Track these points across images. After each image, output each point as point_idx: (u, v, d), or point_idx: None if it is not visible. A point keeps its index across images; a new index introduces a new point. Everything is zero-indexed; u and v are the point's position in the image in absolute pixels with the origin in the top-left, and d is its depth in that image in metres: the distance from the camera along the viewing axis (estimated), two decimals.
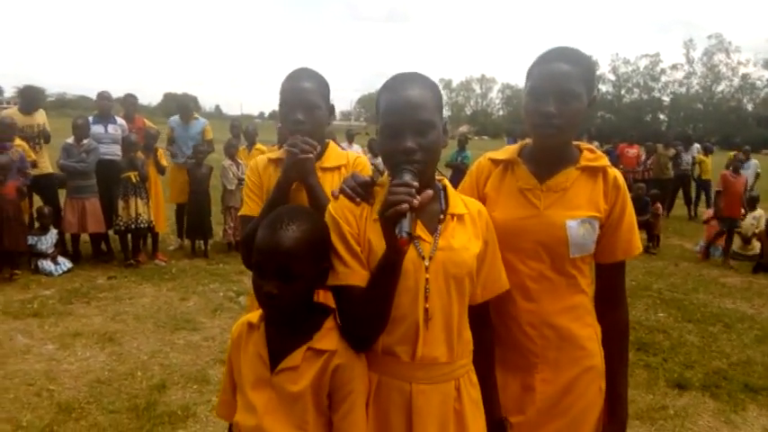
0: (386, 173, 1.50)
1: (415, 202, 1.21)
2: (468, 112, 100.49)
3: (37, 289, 5.57)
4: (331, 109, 1.93)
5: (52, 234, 6.30)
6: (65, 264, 6.17)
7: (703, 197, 12.23)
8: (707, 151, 12.85)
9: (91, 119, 6.72)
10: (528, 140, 1.71)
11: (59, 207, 6.56)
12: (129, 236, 6.56)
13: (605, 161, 1.65)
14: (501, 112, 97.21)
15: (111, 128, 6.82)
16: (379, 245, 1.34)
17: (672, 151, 12.18)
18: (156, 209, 6.84)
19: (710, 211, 9.38)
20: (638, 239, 1.67)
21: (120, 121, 7.00)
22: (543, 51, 1.58)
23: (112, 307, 5.16)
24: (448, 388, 1.40)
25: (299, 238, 1.33)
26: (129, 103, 7.46)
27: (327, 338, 1.37)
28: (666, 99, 79.03)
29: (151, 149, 6.84)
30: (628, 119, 68.42)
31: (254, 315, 1.45)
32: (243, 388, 1.40)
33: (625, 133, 15.88)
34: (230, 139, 7.70)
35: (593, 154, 1.65)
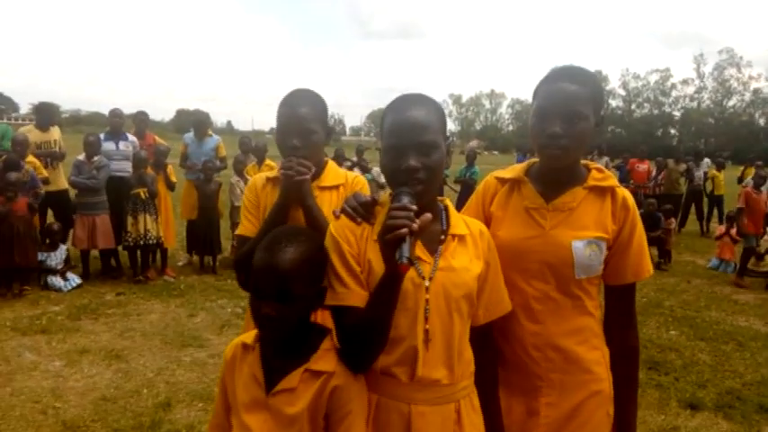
0: (386, 191, 1.49)
1: (415, 226, 1.19)
2: (478, 127, 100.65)
3: (46, 305, 5.60)
4: (329, 131, 1.92)
5: (62, 250, 6.35)
6: (74, 280, 6.20)
7: (716, 212, 12.12)
8: (719, 166, 12.76)
9: (102, 136, 6.79)
10: (535, 159, 1.69)
11: (72, 223, 6.61)
12: (138, 252, 6.59)
13: (614, 181, 1.63)
14: (510, 127, 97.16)
15: (122, 144, 6.88)
16: (378, 265, 1.33)
17: (683, 166, 12.09)
18: (166, 225, 6.88)
19: (723, 227, 9.29)
20: (648, 262, 1.64)
21: (131, 137, 7.07)
22: (550, 70, 1.57)
23: (120, 323, 5.16)
24: (448, 410, 1.38)
25: (298, 259, 1.33)
26: (139, 120, 7.54)
27: (325, 360, 1.36)
28: (677, 114, 78.67)
29: (161, 166, 6.89)
30: (638, 134, 68.09)
31: (249, 336, 1.44)
32: (237, 410, 1.38)
33: (635, 148, 15.79)
34: (238, 155, 7.74)
35: (601, 174, 1.63)
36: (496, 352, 1.59)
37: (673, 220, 9.22)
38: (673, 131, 77.74)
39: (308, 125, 1.81)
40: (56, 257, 6.23)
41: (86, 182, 6.28)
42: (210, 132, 7.81)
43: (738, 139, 65.45)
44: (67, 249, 6.50)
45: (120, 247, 6.75)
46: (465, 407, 1.41)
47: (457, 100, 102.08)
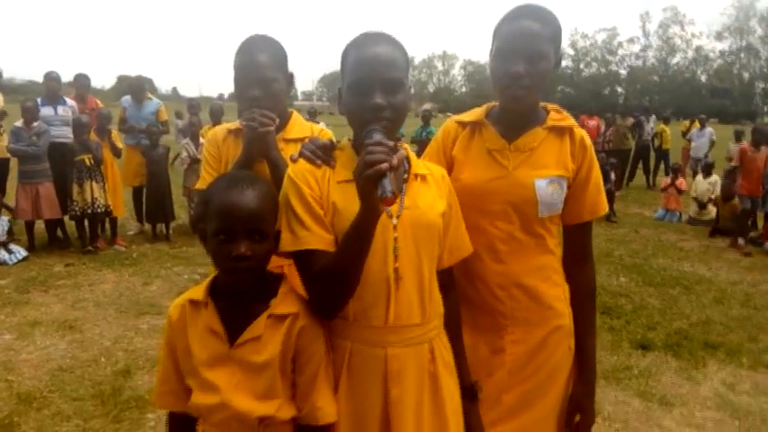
0: (345, 138, 1.46)
1: (394, 161, 1.16)
2: (431, 90, 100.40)
3: None
4: (289, 78, 1.84)
5: (3, 221, 6.05)
6: (19, 252, 5.95)
7: (662, 166, 12.56)
8: (665, 122, 13.16)
9: (39, 101, 6.43)
10: (493, 103, 1.68)
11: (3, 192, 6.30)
12: (86, 221, 6.35)
13: (572, 121, 1.63)
14: (464, 89, 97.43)
15: (60, 109, 6.55)
16: (345, 207, 1.30)
17: (630, 120, 12.42)
18: (114, 193, 6.63)
19: (668, 180, 9.63)
20: (604, 200, 1.66)
21: (69, 102, 6.73)
22: (511, 9, 1.53)
23: (72, 294, 5.00)
24: (422, 350, 1.38)
25: (262, 197, 1.31)
26: (81, 83, 7.15)
27: (287, 302, 1.34)
28: (623, 72, 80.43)
29: (105, 131, 6.60)
30: (587, 92, 69.45)
31: (196, 292, 1.38)
32: (196, 370, 1.32)
33: (584, 106, 16.11)
34: (191, 117, 7.48)
35: (559, 114, 1.64)
36: (458, 295, 1.60)
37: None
38: (619, 89, 79.50)
39: (268, 73, 1.73)
40: None
41: (27, 149, 5.96)
42: (150, 95, 7.51)
43: (681, 95, 67.64)
44: (9, 220, 6.20)
45: (66, 217, 6.49)
46: (437, 346, 1.41)
47: (410, 62, 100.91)
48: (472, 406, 1.54)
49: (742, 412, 3.30)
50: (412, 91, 1.43)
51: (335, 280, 1.31)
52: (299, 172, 1.38)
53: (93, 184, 6.16)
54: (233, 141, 1.84)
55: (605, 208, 1.67)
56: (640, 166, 12.66)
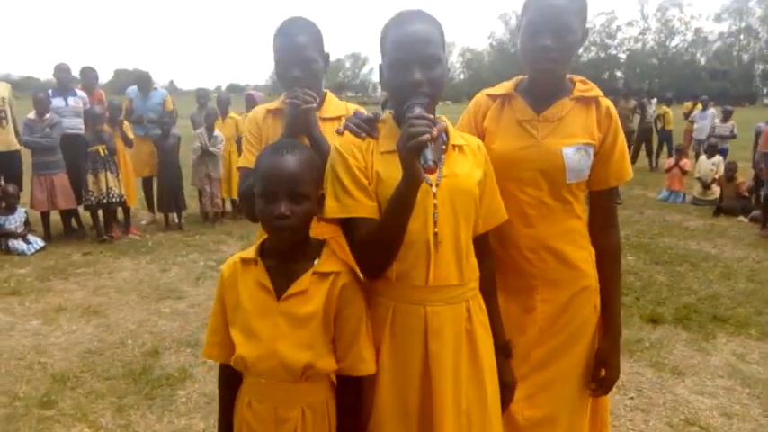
0: (386, 112, 1.55)
1: (435, 132, 1.25)
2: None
3: (11, 268, 5.46)
4: (326, 58, 1.92)
5: (20, 213, 6.16)
6: (36, 242, 6.06)
7: (665, 148, 12.62)
8: (667, 103, 13.21)
9: (50, 92, 6.50)
10: (522, 76, 1.77)
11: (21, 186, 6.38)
12: (101, 211, 6.45)
13: (598, 92, 1.72)
14: (462, 77, 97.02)
15: (71, 101, 6.62)
16: (388, 176, 1.39)
17: (632, 103, 12.47)
18: (127, 183, 6.73)
19: (672, 161, 9.70)
20: (629, 166, 1.76)
21: (80, 93, 6.80)
22: None
23: (92, 281, 5.11)
24: (459, 309, 1.47)
25: (303, 161, 1.40)
26: (89, 76, 7.21)
27: (330, 262, 1.44)
28: (623, 56, 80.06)
29: (116, 122, 6.69)
30: (587, 77, 68.92)
31: (248, 252, 1.48)
32: (246, 320, 1.42)
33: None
34: (211, 107, 7.53)
35: (585, 85, 1.73)
36: (493, 260, 1.69)
37: None
38: (619, 74, 79.14)
39: (308, 53, 1.81)
40: (14, 220, 6.06)
41: (41, 141, 6.05)
42: (156, 86, 7.58)
43: (681, 78, 67.32)
44: (26, 211, 6.30)
45: (80, 207, 6.59)
46: (473, 306, 1.51)
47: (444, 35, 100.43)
48: (505, 362, 1.64)
49: (752, 380, 3.41)
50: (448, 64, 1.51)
51: (379, 244, 1.40)
52: (344, 144, 1.47)
53: (108, 174, 6.26)
54: (272, 121, 1.92)
55: (630, 173, 1.76)
56: (643, 148, 12.74)
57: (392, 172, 1.37)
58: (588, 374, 1.79)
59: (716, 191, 8.79)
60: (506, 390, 1.62)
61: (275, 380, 1.41)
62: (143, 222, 7.39)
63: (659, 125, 12.69)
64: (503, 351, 1.64)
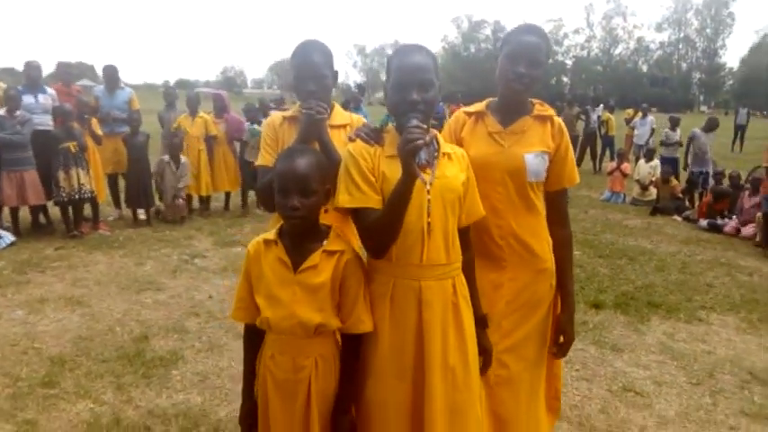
0: (388, 124, 1.92)
1: (428, 138, 1.63)
2: (384, 78, 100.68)
3: None
4: (335, 75, 2.28)
5: None
6: (7, 237, 6.12)
7: (608, 152, 13.44)
8: (610, 110, 14.06)
9: (20, 89, 6.56)
10: (491, 98, 2.18)
11: None
12: (70, 207, 6.55)
13: (552, 112, 2.15)
14: None
15: (41, 98, 6.68)
16: (391, 175, 1.75)
17: (576, 109, 13.26)
18: (97, 179, 6.84)
19: (614, 164, 10.43)
20: (576, 172, 2.19)
21: (49, 90, 6.87)
22: (517, 26, 2.06)
23: (69, 274, 5.26)
24: (447, 284, 1.84)
25: (311, 163, 1.76)
26: (64, 72, 7.27)
27: (336, 243, 1.80)
28: (569, 62, 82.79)
29: (85, 119, 6.79)
30: None
31: (269, 234, 1.83)
32: (269, 288, 1.76)
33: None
34: (173, 141, 7.57)
35: (542, 106, 2.15)
36: (473, 249, 2.07)
37: None
38: (565, 79, 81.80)
39: (321, 71, 2.16)
40: None
41: (12, 137, 6.10)
42: (122, 85, 7.71)
43: (624, 85, 70.18)
44: None
45: (49, 203, 6.67)
46: (458, 282, 1.88)
47: (361, 50, 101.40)
48: (483, 332, 2.03)
49: (679, 355, 3.94)
50: (437, 85, 1.88)
51: (383, 229, 1.77)
52: (356, 149, 1.83)
53: (80, 170, 6.37)
54: (288, 126, 2.26)
55: (578, 178, 2.19)
56: (588, 151, 13.53)
57: (395, 172, 1.73)
58: (544, 340, 2.21)
59: (653, 192, 9.55)
60: (485, 355, 2.01)
61: (293, 336, 1.77)
62: (110, 218, 7.50)
63: (603, 130, 13.51)
64: (481, 323, 2.01)
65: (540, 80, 2.04)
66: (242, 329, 4.18)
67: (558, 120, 2.15)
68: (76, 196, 6.39)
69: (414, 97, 1.76)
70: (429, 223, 1.79)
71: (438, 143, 1.89)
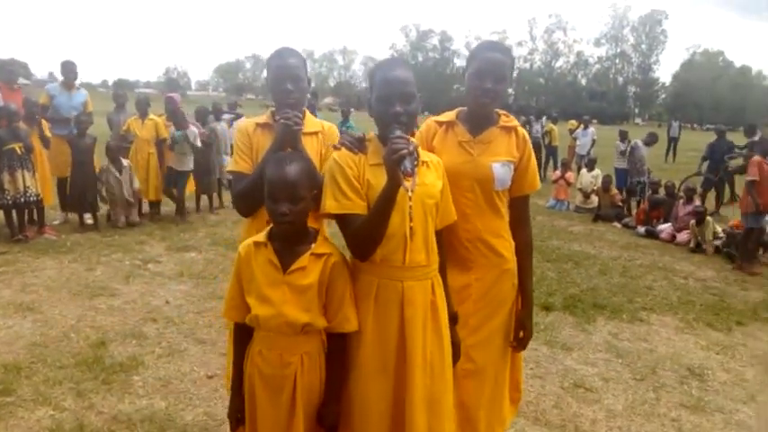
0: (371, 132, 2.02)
1: (411, 147, 1.74)
2: (332, 84, 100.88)
3: None
4: (309, 81, 2.36)
5: None
6: None
7: (551, 162, 13.97)
8: (553, 121, 14.62)
9: None
10: (461, 108, 2.31)
11: None
12: (14, 211, 6.31)
13: (516, 123, 2.30)
14: (363, 84, 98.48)
15: None
16: (376, 183, 1.85)
17: (522, 119, 13.74)
18: (43, 182, 6.63)
19: (558, 173, 10.87)
20: (537, 179, 2.35)
21: None
22: (482, 42, 2.21)
23: (17, 280, 5.09)
24: (426, 285, 1.95)
25: (300, 170, 1.83)
26: (10, 71, 6.99)
27: (323, 246, 1.89)
28: (513, 74, 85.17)
29: (34, 120, 6.57)
30: None
31: (259, 237, 1.90)
32: (259, 288, 1.83)
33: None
34: (110, 142, 7.40)
35: (507, 118, 2.29)
36: (444, 252, 2.19)
37: None
38: (510, 90, 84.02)
39: (298, 72, 2.23)
40: None
41: None
42: (77, 85, 7.50)
43: (564, 97, 72.80)
44: None
45: None
46: (436, 283, 1.99)
47: (310, 55, 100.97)
48: (453, 328, 2.15)
49: (624, 353, 4.20)
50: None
51: (368, 233, 1.86)
52: (342, 157, 1.91)
53: (25, 172, 6.16)
54: (261, 133, 2.31)
55: (539, 185, 2.35)
56: None
57: (379, 180, 1.82)
58: (508, 336, 2.35)
59: (594, 200, 10.02)
60: (455, 348, 2.12)
61: (281, 333, 1.84)
62: (55, 222, 7.26)
63: (546, 140, 14.03)
64: (452, 320, 2.13)
65: (505, 93, 2.18)
66: (201, 335, 4.22)
67: (522, 130, 2.30)
68: (22, 199, 6.17)
69: (397, 109, 1.86)
70: (411, 228, 1.89)
71: (417, 152, 2.00)
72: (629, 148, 10.17)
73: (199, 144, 7.66)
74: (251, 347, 1.91)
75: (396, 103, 1.86)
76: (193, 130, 7.68)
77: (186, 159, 7.71)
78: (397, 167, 1.71)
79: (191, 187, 8.13)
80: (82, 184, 7.03)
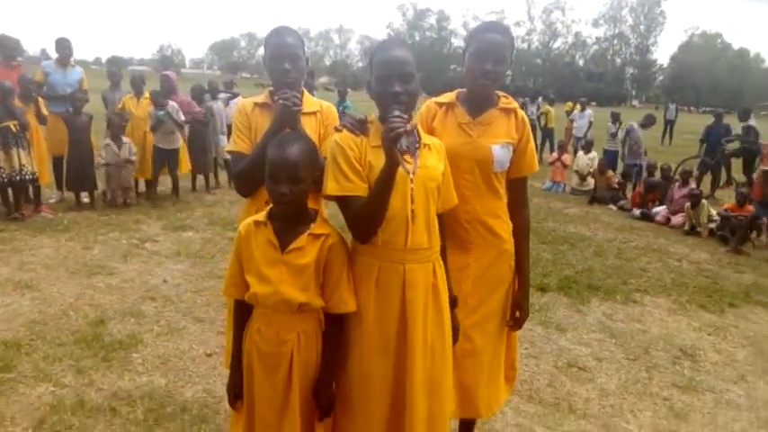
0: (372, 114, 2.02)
1: (409, 126, 1.74)
2: (328, 63, 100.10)
3: None
4: (306, 60, 2.35)
5: None
6: None
7: (547, 143, 13.96)
8: (550, 103, 14.58)
9: None
10: (460, 89, 2.31)
11: None
12: (10, 189, 6.29)
13: (515, 104, 2.30)
14: (360, 64, 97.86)
15: None
16: (377, 163, 1.85)
17: (519, 101, 13.68)
18: (39, 159, 6.60)
19: (555, 154, 10.87)
20: (536, 161, 2.36)
21: None
22: (481, 23, 2.18)
23: (14, 258, 5.09)
24: (428, 267, 1.96)
25: (301, 152, 1.84)
26: (13, 48, 6.90)
27: (321, 226, 1.90)
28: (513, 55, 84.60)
29: (30, 97, 6.52)
30: None
31: (259, 216, 1.91)
32: (258, 267, 1.85)
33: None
34: (112, 117, 7.27)
35: (507, 99, 2.30)
36: (445, 235, 2.20)
37: None
38: (507, 71, 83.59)
39: (296, 51, 2.23)
40: None
41: None
42: (73, 62, 7.42)
43: (562, 78, 72.43)
44: None
45: None
46: (437, 265, 2.00)
47: (305, 34, 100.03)
48: (452, 311, 2.18)
49: (617, 333, 4.25)
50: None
51: (368, 215, 1.87)
52: (343, 139, 1.91)
53: (20, 150, 6.13)
54: (259, 113, 2.31)
55: (537, 167, 2.36)
56: None
57: (381, 161, 1.82)
58: (505, 316, 2.39)
59: (591, 182, 10.04)
60: (455, 331, 2.14)
61: (278, 312, 1.86)
62: (51, 201, 7.24)
63: (542, 122, 13.99)
64: (451, 303, 2.15)
65: (504, 74, 2.18)
66: (200, 314, 4.26)
67: (522, 112, 2.31)
68: (17, 177, 6.15)
69: (396, 89, 1.86)
70: (413, 210, 1.89)
71: (419, 134, 2.00)
72: (624, 131, 10.18)
73: (182, 118, 7.44)
74: (250, 325, 1.94)
75: (395, 83, 1.86)
76: (174, 105, 7.43)
77: (173, 137, 7.51)
78: (394, 146, 1.71)
79: (186, 167, 8.09)
80: (79, 163, 7.00)
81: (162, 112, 7.28)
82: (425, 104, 2.34)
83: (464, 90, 2.30)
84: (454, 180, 2.15)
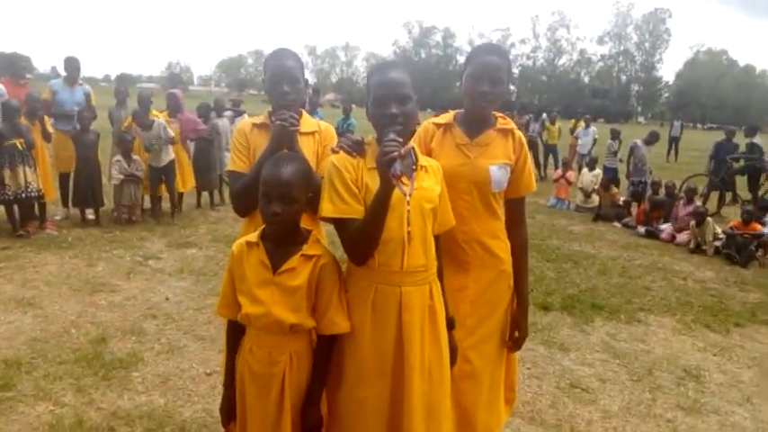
0: (369, 136, 2.03)
1: (403, 150, 1.75)
2: (334, 80, 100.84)
3: None
4: (306, 82, 2.37)
5: None
6: None
7: (551, 160, 13.96)
8: (552, 120, 14.62)
9: None
10: (458, 110, 2.32)
11: None
12: (16, 206, 6.34)
13: (513, 125, 2.31)
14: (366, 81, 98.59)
15: None
16: (373, 186, 1.85)
17: (525, 118, 13.74)
18: (45, 177, 6.65)
19: (560, 171, 10.87)
20: (533, 181, 2.36)
21: None
22: (478, 45, 2.20)
23: (18, 275, 5.11)
24: (425, 290, 1.96)
25: (295, 172, 1.84)
26: (23, 67, 7.00)
27: (314, 247, 1.90)
28: (516, 71, 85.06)
29: (36, 115, 6.59)
30: None
31: (251, 236, 1.92)
32: (250, 288, 1.85)
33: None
34: (123, 135, 7.34)
35: (504, 120, 2.31)
36: (441, 257, 2.19)
37: None
38: (512, 88, 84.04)
39: (295, 74, 2.25)
40: None
41: None
42: (80, 81, 7.51)
43: (567, 95, 72.68)
44: None
45: None
46: (434, 287, 1.99)
47: (312, 51, 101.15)
48: (450, 333, 2.16)
49: (621, 354, 4.21)
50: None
51: (364, 236, 1.87)
52: (340, 160, 1.92)
53: (26, 168, 6.18)
54: (258, 133, 2.33)
55: (534, 186, 2.36)
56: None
57: (377, 183, 1.82)
58: (504, 337, 2.37)
59: (595, 199, 10.02)
60: (452, 353, 2.13)
61: (270, 332, 1.86)
62: (57, 217, 7.28)
63: (544, 138, 14.01)
64: (448, 324, 2.14)
65: (503, 96, 2.19)
66: (201, 332, 4.25)
67: (519, 133, 2.32)
68: (23, 195, 6.19)
69: (393, 111, 1.87)
70: (409, 232, 1.89)
71: (416, 156, 2.01)
72: (628, 148, 10.17)
73: (171, 134, 7.37)
74: (243, 345, 1.94)
75: (392, 105, 1.87)
76: (160, 121, 7.35)
77: (163, 153, 7.41)
78: (388, 169, 1.72)
79: (190, 184, 8.13)
80: (86, 180, 7.05)
81: (150, 144, 7.24)
82: (423, 125, 2.35)
83: (462, 111, 2.31)
84: (452, 201, 2.16)
